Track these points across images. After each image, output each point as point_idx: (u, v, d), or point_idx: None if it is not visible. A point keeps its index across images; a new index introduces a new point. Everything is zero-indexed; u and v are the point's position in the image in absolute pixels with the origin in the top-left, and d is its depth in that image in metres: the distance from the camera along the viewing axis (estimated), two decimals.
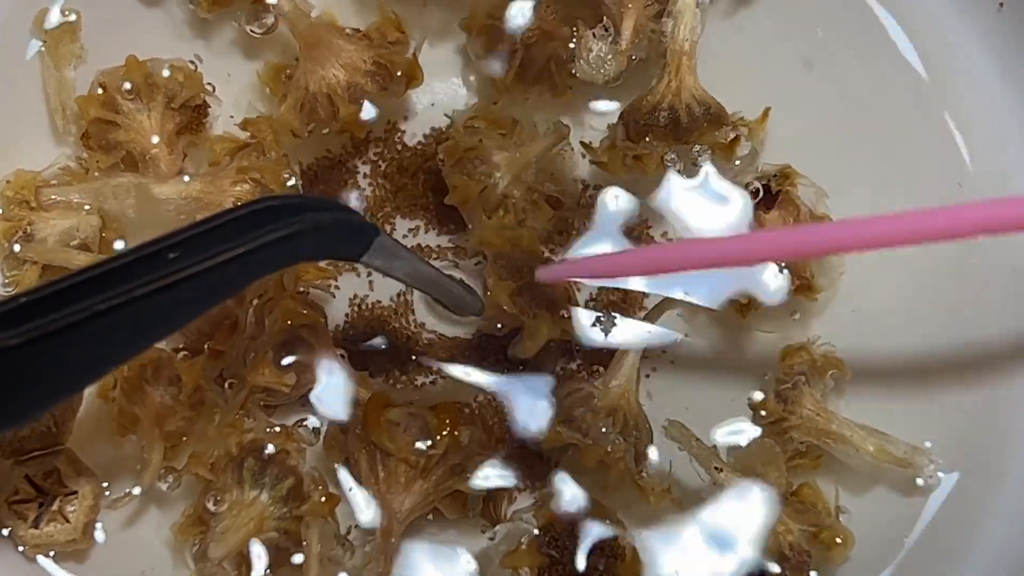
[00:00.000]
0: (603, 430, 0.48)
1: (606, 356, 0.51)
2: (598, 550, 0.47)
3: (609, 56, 0.51)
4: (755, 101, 0.52)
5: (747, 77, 0.55)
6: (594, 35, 0.52)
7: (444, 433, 0.47)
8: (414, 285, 0.48)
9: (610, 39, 0.52)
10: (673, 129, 0.51)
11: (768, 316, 0.51)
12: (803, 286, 0.50)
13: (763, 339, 0.52)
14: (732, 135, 0.51)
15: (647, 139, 0.51)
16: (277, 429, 0.49)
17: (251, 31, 0.54)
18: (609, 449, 0.47)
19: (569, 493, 0.48)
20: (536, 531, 0.47)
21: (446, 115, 0.54)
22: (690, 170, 0.52)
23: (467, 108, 0.53)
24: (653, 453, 0.49)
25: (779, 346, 0.51)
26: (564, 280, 0.50)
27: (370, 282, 0.53)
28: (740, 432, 0.50)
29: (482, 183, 0.50)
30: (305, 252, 0.41)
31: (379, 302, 0.53)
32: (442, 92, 0.56)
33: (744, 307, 0.50)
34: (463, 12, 0.54)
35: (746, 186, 0.50)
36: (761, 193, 0.50)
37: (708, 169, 0.51)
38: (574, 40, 0.52)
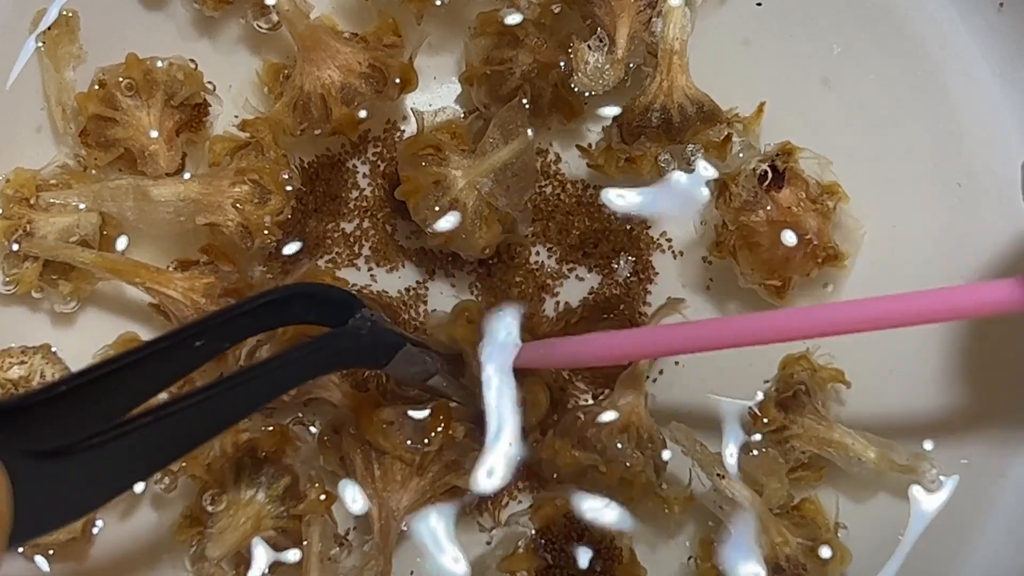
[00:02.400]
0: (619, 447, 0.47)
1: (612, 376, 0.50)
2: (595, 552, 0.47)
3: (607, 66, 0.51)
4: (753, 99, 0.52)
5: (746, 77, 0.55)
6: (589, 47, 0.51)
7: (438, 430, 0.47)
8: (427, 389, 0.48)
9: (606, 49, 0.51)
10: (666, 129, 0.51)
11: (803, 293, 0.51)
12: (830, 256, 0.50)
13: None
14: (725, 133, 0.51)
15: (641, 140, 0.51)
16: (272, 428, 0.49)
17: (257, 26, 0.54)
18: (628, 464, 0.47)
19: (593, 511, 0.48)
20: (533, 534, 0.47)
21: (412, 109, 0.53)
22: (685, 169, 0.52)
23: (435, 112, 0.53)
24: (666, 454, 0.49)
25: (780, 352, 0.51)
26: (542, 367, 0.49)
27: (371, 275, 0.54)
28: (743, 438, 0.50)
29: (434, 177, 0.49)
30: (338, 363, 0.44)
31: (385, 291, 0.53)
32: (441, 93, 0.56)
33: (780, 288, 0.50)
34: (458, 26, 0.55)
35: (753, 171, 0.50)
36: (769, 174, 0.50)
37: (703, 166, 0.51)
38: (570, 54, 0.52)
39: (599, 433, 0.48)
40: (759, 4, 0.56)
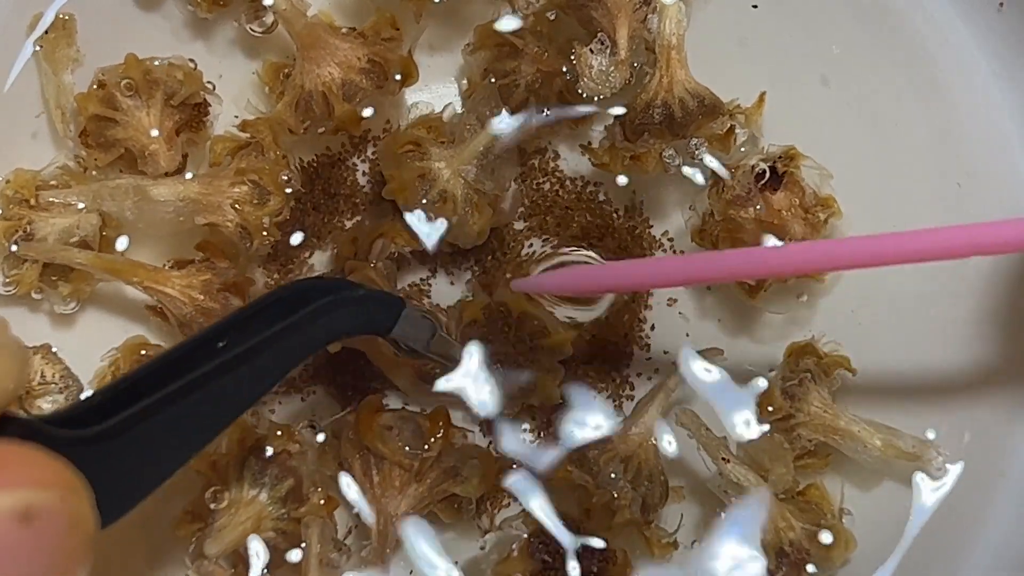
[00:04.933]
0: (612, 475, 0.47)
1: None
2: (590, 553, 0.47)
3: (611, 68, 0.51)
4: (752, 98, 0.52)
5: (744, 77, 0.54)
6: (591, 51, 0.51)
7: (437, 436, 0.47)
8: (428, 353, 0.48)
9: (608, 51, 0.51)
10: (669, 124, 0.51)
11: (776, 298, 0.51)
12: None
13: (768, 334, 0.52)
14: (727, 125, 0.51)
15: (644, 137, 0.51)
16: (280, 431, 0.49)
17: (251, 30, 0.54)
18: (615, 495, 0.47)
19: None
20: (526, 536, 0.47)
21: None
22: (689, 164, 0.51)
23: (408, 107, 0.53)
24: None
25: (786, 330, 0.52)
26: (537, 292, 0.50)
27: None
28: (749, 427, 0.50)
29: (418, 172, 0.49)
30: (344, 327, 0.44)
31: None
32: (440, 93, 0.56)
33: (753, 289, 0.50)
34: (458, 24, 0.55)
35: (752, 168, 0.50)
36: (767, 174, 0.50)
37: (708, 160, 0.51)
38: (573, 60, 0.51)
39: (599, 456, 0.48)
40: (755, 7, 0.56)
